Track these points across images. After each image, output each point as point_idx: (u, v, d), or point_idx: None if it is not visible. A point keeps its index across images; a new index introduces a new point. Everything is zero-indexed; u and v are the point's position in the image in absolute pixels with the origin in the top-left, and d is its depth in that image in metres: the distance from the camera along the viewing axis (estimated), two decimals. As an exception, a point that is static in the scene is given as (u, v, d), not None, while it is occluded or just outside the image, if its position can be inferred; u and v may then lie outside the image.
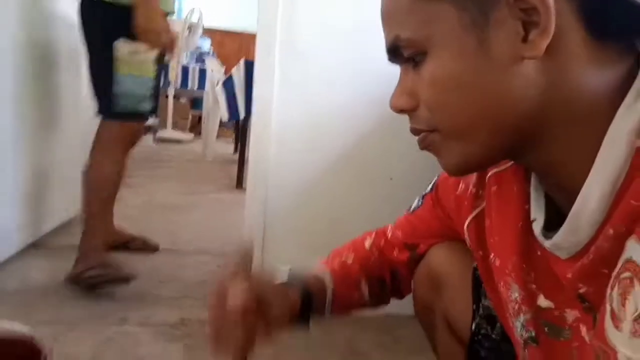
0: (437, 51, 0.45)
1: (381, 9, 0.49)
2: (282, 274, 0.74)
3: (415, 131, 0.51)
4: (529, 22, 0.42)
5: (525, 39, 0.42)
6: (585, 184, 0.43)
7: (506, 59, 0.43)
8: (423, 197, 0.79)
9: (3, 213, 1.70)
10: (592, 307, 0.46)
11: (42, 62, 1.87)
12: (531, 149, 0.47)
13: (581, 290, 0.46)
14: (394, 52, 0.49)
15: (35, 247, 1.88)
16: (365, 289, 0.80)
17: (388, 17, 0.49)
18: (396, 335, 1.45)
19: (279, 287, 0.70)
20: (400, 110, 0.50)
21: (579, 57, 0.43)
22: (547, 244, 0.49)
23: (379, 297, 0.83)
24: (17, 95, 1.72)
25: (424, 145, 0.51)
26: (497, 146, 0.47)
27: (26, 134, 1.80)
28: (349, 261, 0.81)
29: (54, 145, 2.02)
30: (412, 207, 0.81)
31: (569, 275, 0.46)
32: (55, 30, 1.97)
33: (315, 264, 0.83)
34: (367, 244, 0.84)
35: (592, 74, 0.44)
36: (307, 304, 0.73)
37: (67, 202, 2.15)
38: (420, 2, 0.45)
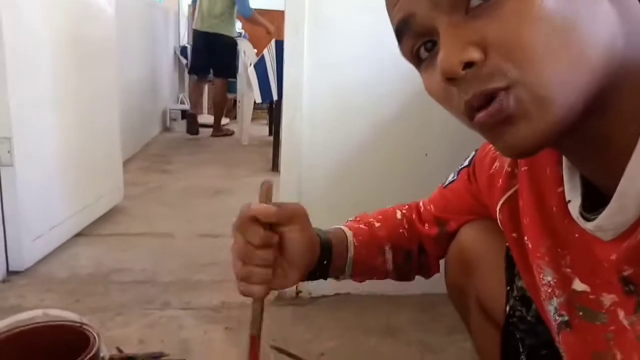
0: None
1: None
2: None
3: (486, 93, 0.40)
4: None
5: None
6: (631, 161, 0.40)
7: None
8: (459, 171, 0.77)
9: (51, 204, 1.78)
10: (636, 290, 0.44)
11: (78, 55, 1.92)
12: (594, 115, 0.42)
13: (626, 273, 0.44)
14: None
15: (81, 236, 1.96)
16: (389, 255, 0.77)
17: None
18: (435, 314, 1.44)
19: (304, 220, 0.66)
20: (466, 65, 0.40)
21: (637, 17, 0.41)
22: (589, 225, 0.46)
23: (403, 270, 0.80)
24: (56, 89, 1.77)
25: (502, 116, 0.40)
26: (585, 98, 0.40)
27: (68, 124, 1.86)
28: (377, 225, 0.78)
29: (94, 134, 2.08)
30: (447, 180, 0.79)
31: (613, 257, 0.44)
32: (90, 21, 2.02)
33: (342, 223, 0.80)
34: (399, 213, 0.81)
35: None
36: (326, 251, 0.70)
37: (108, 191, 2.23)
38: None
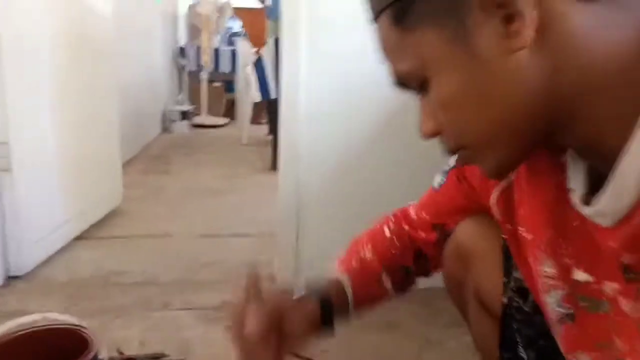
0: (436, 74, 0.46)
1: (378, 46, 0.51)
2: (299, 286, 0.77)
3: (449, 152, 0.51)
4: (510, 14, 0.41)
5: (509, 33, 0.41)
6: (628, 144, 0.40)
7: (498, 58, 0.43)
8: (446, 172, 0.77)
9: (50, 208, 1.78)
10: (637, 277, 0.43)
11: (76, 56, 1.91)
12: (566, 129, 0.45)
13: (625, 260, 0.44)
14: (402, 85, 0.50)
15: (81, 239, 1.96)
16: (387, 281, 0.81)
17: (384, 55, 0.50)
18: (435, 308, 1.43)
19: (295, 303, 0.71)
20: (432, 136, 0.50)
21: (578, 27, 0.41)
22: (587, 210, 0.46)
23: (404, 284, 0.84)
24: (54, 91, 1.77)
25: (463, 162, 0.53)
26: (528, 141, 0.47)
27: (66, 128, 1.85)
28: (368, 256, 0.82)
29: (93, 137, 2.08)
30: (436, 183, 0.79)
31: (612, 244, 0.44)
32: (87, 23, 2.01)
33: (332, 265, 0.83)
34: (387, 231, 0.83)
35: (602, 37, 0.41)
36: (327, 311, 0.74)
37: (108, 193, 2.23)
38: (404, 35, 0.46)
